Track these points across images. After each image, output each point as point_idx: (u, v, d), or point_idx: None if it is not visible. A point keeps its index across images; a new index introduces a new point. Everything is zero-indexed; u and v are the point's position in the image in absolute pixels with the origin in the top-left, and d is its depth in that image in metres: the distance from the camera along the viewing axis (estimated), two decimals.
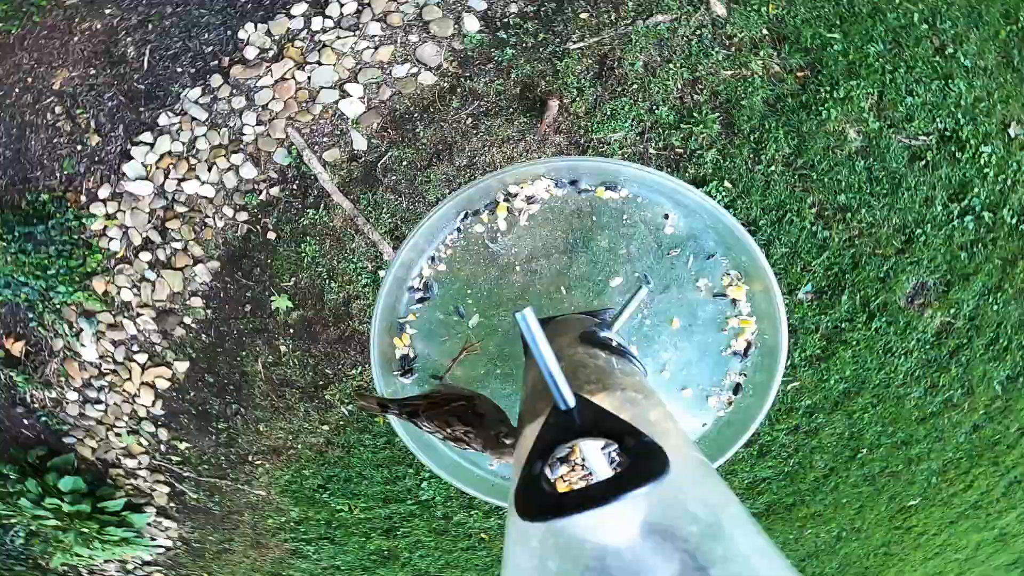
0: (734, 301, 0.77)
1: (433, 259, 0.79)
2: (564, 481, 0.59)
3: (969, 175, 2.01)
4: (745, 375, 0.79)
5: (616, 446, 0.38)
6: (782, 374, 0.75)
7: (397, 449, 2.21)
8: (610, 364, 0.57)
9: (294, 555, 2.49)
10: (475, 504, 2.30)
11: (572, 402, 0.40)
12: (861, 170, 1.99)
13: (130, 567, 2.60)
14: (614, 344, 0.62)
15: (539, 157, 1.96)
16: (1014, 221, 2.04)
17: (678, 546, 0.34)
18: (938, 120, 2.00)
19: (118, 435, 2.28)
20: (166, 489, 2.38)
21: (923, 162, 2.00)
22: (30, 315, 2.16)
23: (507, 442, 0.64)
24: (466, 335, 0.79)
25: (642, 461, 0.33)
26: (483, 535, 2.38)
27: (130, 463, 2.33)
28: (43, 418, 2.30)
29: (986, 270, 2.06)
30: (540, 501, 0.34)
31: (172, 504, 2.42)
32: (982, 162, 2.00)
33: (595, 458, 0.48)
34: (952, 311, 2.09)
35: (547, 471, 0.37)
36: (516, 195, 0.78)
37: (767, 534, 0.35)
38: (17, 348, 2.21)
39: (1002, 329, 2.14)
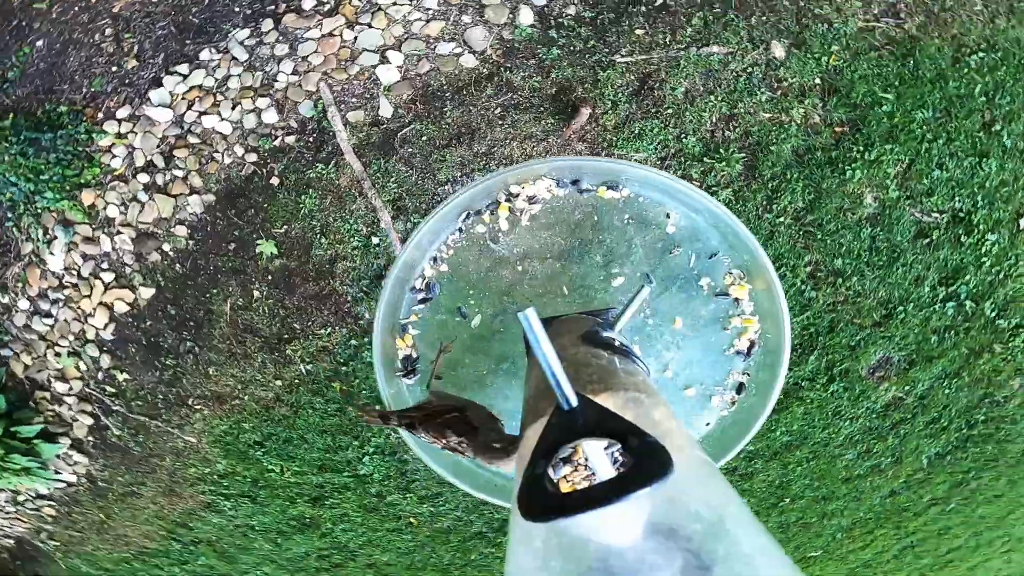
0: (737, 300, 0.78)
1: (435, 259, 0.79)
2: (567, 481, 0.59)
3: (966, 261, 2.03)
4: (748, 374, 0.79)
5: (619, 446, 0.39)
6: (785, 373, 0.75)
7: (347, 418, 2.17)
8: (613, 364, 0.57)
9: (208, 508, 2.42)
10: (412, 487, 2.28)
11: (575, 402, 0.40)
12: (866, 237, 2.00)
13: (21, 499, 2.52)
14: (617, 344, 0.62)
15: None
16: (992, 314, 2.08)
17: (681, 545, 0.34)
18: (957, 199, 2.00)
19: (58, 355, 2.21)
20: (89, 421, 2.30)
21: (927, 240, 2.01)
22: (8, 215, 2.13)
23: (496, 447, 0.64)
24: (470, 336, 0.79)
25: (645, 461, 0.33)
26: (412, 519, 2.36)
27: (60, 387, 2.26)
28: None
29: (950, 356, 2.12)
30: (543, 501, 0.34)
31: (91, 438, 2.33)
32: (983, 250, 2.02)
33: (598, 458, 0.48)
34: (906, 388, 2.16)
35: (550, 471, 0.37)
36: (518, 195, 0.78)
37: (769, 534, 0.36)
38: None
39: (946, 411, 2.21)
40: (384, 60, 1.97)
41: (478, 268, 0.78)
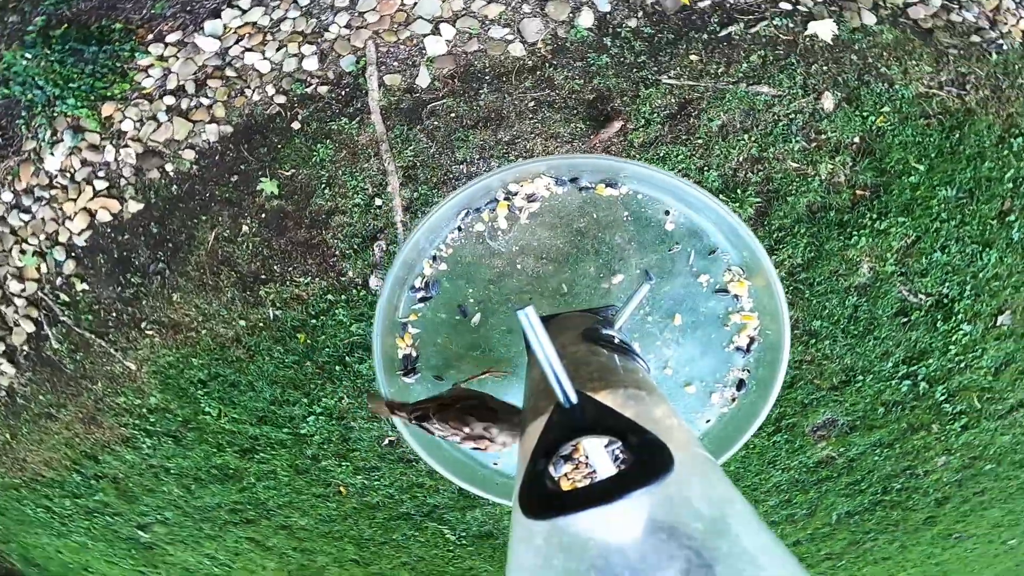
0: (736, 297, 0.78)
1: (434, 258, 0.78)
2: (568, 479, 0.58)
3: (935, 345, 2.07)
4: (748, 371, 0.79)
5: (620, 444, 0.38)
6: (785, 369, 0.76)
7: (303, 373, 2.13)
8: (613, 361, 0.57)
9: (125, 443, 2.32)
10: (349, 456, 2.24)
11: (575, 399, 0.40)
12: (849, 305, 2.03)
13: None
14: (616, 341, 0.62)
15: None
16: (941, 398, 2.14)
17: (683, 543, 0.34)
18: (947, 284, 2.01)
19: (23, 252, 2.15)
20: (31, 328, 2.21)
21: (906, 319, 2.04)
22: (23, 114, 2.12)
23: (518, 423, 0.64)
24: (470, 335, 0.79)
25: (646, 459, 0.33)
26: (342, 488, 2.32)
27: (14, 286, 2.19)
28: None
29: (890, 428, 2.19)
30: (544, 499, 0.33)
31: (26, 348, 2.24)
32: (954, 338, 2.06)
33: (599, 456, 0.48)
34: (841, 450, 2.22)
35: (551, 469, 0.37)
36: (517, 193, 0.78)
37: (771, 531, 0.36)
38: None
39: (869, 475, 2.29)
40: (436, 31, 1.98)
41: (477, 266, 0.78)
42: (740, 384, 0.79)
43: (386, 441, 2.20)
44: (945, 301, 2.03)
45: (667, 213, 0.77)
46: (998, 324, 2.06)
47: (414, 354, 0.80)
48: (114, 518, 2.49)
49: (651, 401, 0.48)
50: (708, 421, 0.80)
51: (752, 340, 0.78)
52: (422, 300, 0.79)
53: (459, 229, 0.78)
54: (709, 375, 0.79)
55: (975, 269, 2.00)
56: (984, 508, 2.42)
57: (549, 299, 0.78)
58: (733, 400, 0.80)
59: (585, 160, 0.77)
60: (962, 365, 2.10)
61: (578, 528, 0.35)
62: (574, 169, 0.78)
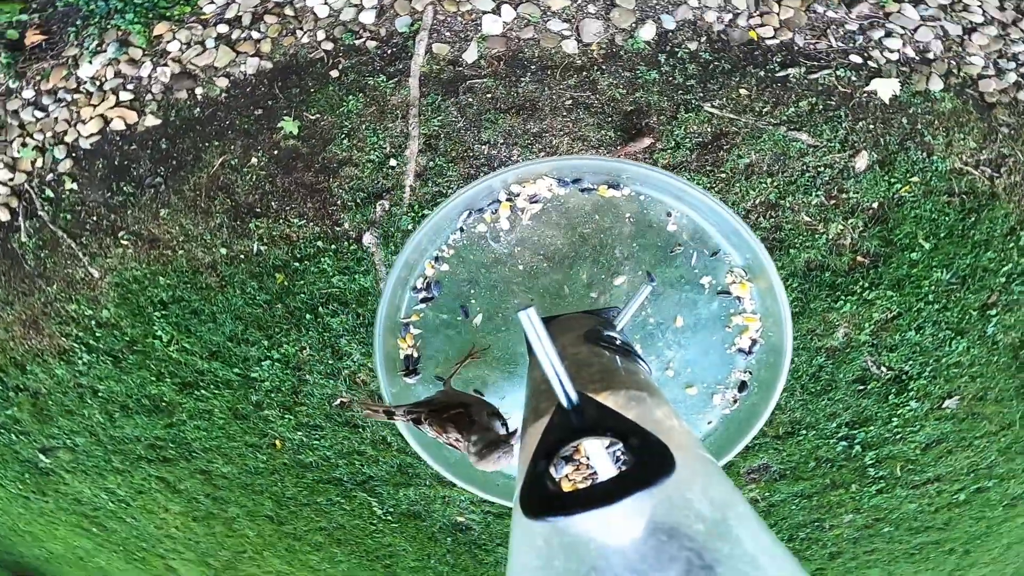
0: (738, 298, 0.78)
1: (436, 259, 0.78)
2: (569, 480, 0.58)
3: (879, 415, 2.12)
4: (750, 372, 0.79)
5: (621, 445, 0.38)
6: (787, 371, 0.76)
7: (271, 315, 2.09)
8: (614, 363, 0.57)
9: (60, 356, 2.24)
10: (295, 409, 2.20)
11: (576, 401, 0.40)
12: (816, 364, 2.06)
13: None
14: (618, 343, 0.62)
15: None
16: (869, 462, 2.19)
17: (684, 545, 0.34)
18: (910, 363, 2.05)
19: (24, 145, 2.15)
20: (4, 217, 2.17)
21: (862, 387, 2.09)
22: (77, 22, 2.17)
23: (474, 441, 0.65)
24: (472, 336, 0.78)
25: (647, 460, 0.33)
26: (279, 442, 2.26)
27: (3, 175, 2.16)
28: None
29: (814, 482, 2.24)
30: (545, 500, 0.33)
31: None
32: (899, 411, 2.11)
33: (600, 457, 0.47)
34: (766, 494, 2.28)
35: (552, 470, 0.37)
36: (519, 194, 0.78)
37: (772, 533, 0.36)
38: (34, 39, 2.17)
39: (782, 522, 2.35)
40: (496, 11, 1.98)
41: (479, 267, 0.78)
42: (742, 386, 0.79)
43: (337, 401, 2.16)
44: (903, 377, 2.07)
45: (669, 215, 0.77)
46: (943, 407, 2.12)
47: (416, 355, 0.80)
48: (20, 437, 2.39)
49: (652, 402, 0.48)
50: (710, 423, 0.80)
51: (754, 342, 0.78)
52: (424, 301, 0.78)
53: (461, 230, 0.78)
54: (711, 377, 0.79)
55: (941, 354, 2.04)
56: (867, 567, 2.48)
57: (551, 300, 0.78)
58: (735, 402, 0.80)
59: (588, 161, 0.77)
60: (898, 436, 2.17)
61: (579, 529, 0.35)
62: (576, 170, 0.78)
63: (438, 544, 2.43)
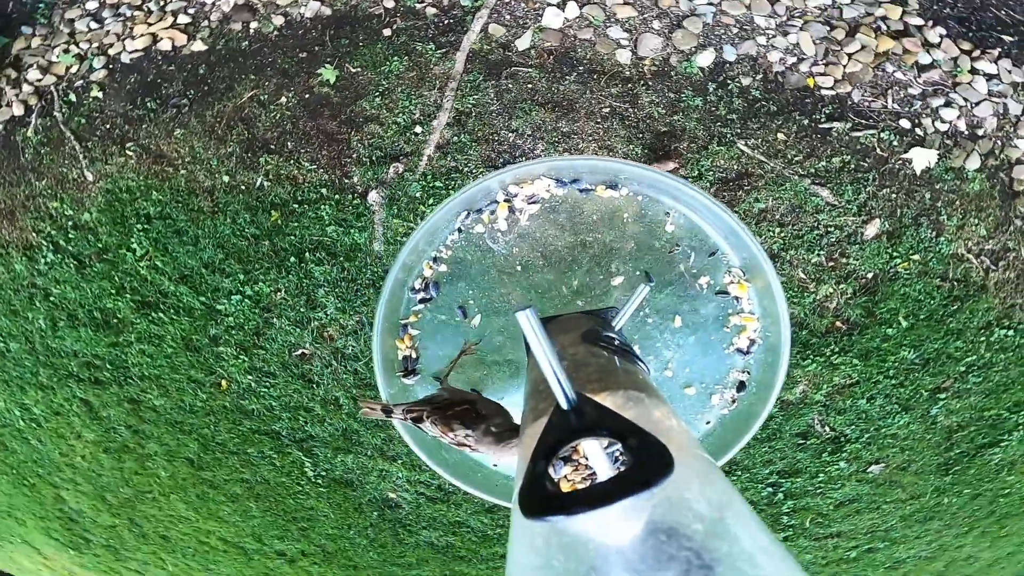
0: (736, 298, 0.77)
1: (435, 260, 0.78)
2: (568, 481, 0.57)
3: (809, 468, 2.17)
4: (748, 372, 0.79)
5: (619, 445, 0.38)
6: (785, 371, 0.76)
7: (256, 250, 2.06)
8: (612, 363, 0.56)
9: (24, 252, 2.18)
10: (253, 351, 2.14)
11: (575, 401, 0.40)
12: (766, 417, 2.14)
13: None
14: (616, 343, 0.62)
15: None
16: (785, 511, 2.26)
17: (682, 544, 0.34)
18: (851, 427, 2.09)
19: (67, 51, 2.17)
20: (19, 112, 2.19)
21: (802, 441, 2.14)
22: None
23: (495, 431, 0.64)
24: (468, 335, 0.78)
25: (646, 460, 0.33)
26: (224, 382, 2.20)
27: (34, 75, 2.20)
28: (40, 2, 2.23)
29: None
30: (544, 500, 0.33)
31: (2, 129, 2.17)
32: (827, 468, 2.16)
33: (598, 457, 0.47)
34: None
35: (551, 471, 0.37)
36: (517, 195, 0.78)
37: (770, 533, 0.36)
38: None
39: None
40: (561, 6, 1.97)
41: (478, 268, 0.78)
42: (740, 386, 0.79)
43: (299, 352, 2.12)
44: (841, 439, 2.13)
45: (667, 215, 0.77)
46: (868, 471, 2.18)
47: (414, 355, 0.79)
48: None
49: (651, 403, 0.48)
50: (708, 423, 0.80)
51: (752, 342, 0.78)
52: (422, 301, 0.78)
53: (459, 231, 0.78)
54: (709, 377, 0.79)
55: (883, 424, 2.10)
56: None
57: (549, 300, 0.78)
58: (733, 402, 0.79)
59: (585, 162, 0.77)
60: (819, 491, 2.22)
61: (578, 529, 0.35)
62: (574, 171, 0.77)
63: (363, 516, 2.38)
